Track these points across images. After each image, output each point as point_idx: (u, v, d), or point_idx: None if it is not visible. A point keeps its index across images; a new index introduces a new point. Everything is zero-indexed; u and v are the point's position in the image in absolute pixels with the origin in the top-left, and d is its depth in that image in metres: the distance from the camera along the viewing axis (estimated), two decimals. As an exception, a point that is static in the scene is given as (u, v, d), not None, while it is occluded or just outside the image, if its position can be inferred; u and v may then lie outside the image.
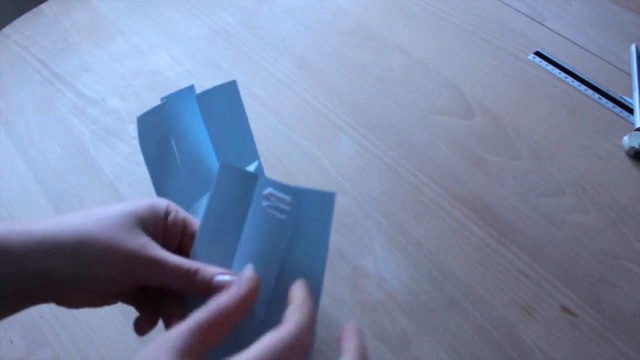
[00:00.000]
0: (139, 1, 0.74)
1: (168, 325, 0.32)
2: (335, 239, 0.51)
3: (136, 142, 0.59)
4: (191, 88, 0.41)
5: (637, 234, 0.50)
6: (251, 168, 0.39)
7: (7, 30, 0.72)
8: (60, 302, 0.32)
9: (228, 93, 0.40)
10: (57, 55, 0.68)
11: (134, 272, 0.30)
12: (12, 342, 0.46)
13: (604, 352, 0.43)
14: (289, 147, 0.58)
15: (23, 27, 0.72)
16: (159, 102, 0.65)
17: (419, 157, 0.56)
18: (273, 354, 0.25)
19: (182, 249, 0.34)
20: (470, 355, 0.44)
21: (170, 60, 0.67)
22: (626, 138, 0.56)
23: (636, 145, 0.54)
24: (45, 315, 0.48)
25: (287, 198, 0.32)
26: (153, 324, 0.34)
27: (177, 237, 0.34)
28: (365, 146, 0.57)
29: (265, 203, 0.33)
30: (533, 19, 0.68)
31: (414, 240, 0.50)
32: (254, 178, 0.33)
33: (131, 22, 0.72)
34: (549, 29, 0.67)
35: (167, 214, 0.33)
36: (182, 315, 0.31)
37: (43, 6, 0.75)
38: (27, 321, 0.47)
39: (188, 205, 0.39)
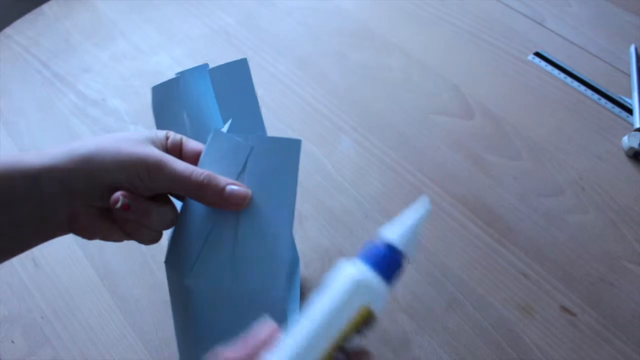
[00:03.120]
0: (140, 1, 0.75)
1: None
2: (335, 239, 0.51)
3: (137, 142, 0.59)
4: (204, 66, 0.42)
5: (637, 234, 0.50)
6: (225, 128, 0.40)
7: (8, 30, 0.72)
8: (75, 227, 0.32)
9: (239, 70, 0.41)
10: (58, 55, 0.69)
11: (145, 173, 0.32)
12: (13, 342, 0.46)
13: (603, 351, 0.43)
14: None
15: (24, 27, 0.73)
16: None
17: (419, 157, 0.56)
18: None
19: None
20: (470, 354, 0.44)
21: (170, 61, 0.67)
22: (625, 138, 0.56)
23: (635, 145, 0.54)
24: (46, 315, 0.48)
25: (281, 149, 0.35)
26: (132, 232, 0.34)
27: (177, 156, 0.35)
28: (365, 146, 0.57)
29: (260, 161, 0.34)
30: (533, 20, 0.68)
31: (413, 240, 0.50)
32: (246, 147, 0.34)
33: (132, 22, 0.72)
34: (549, 29, 0.67)
35: (167, 137, 0.35)
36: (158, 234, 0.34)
37: (44, 7, 0.75)
38: (28, 321, 0.48)
39: None
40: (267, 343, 0.24)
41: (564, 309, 0.46)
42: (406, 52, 0.66)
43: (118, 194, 0.31)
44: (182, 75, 0.41)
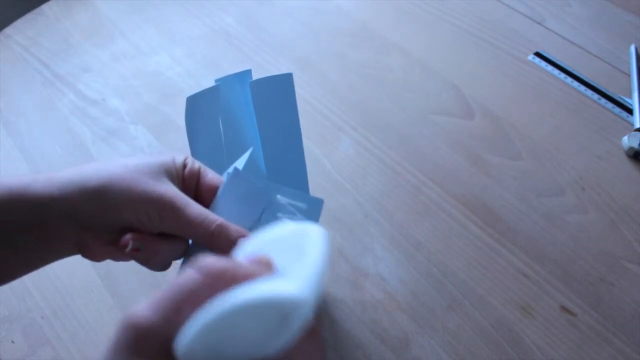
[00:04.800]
0: (140, 1, 0.75)
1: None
2: (335, 239, 0.51)
3: (136, 143, 0.59)
4: (247, 72, 0.41)
5: (637, 234, 0.50)
6: (243, 159, 0.38)
7: (8, 30, 0.72)
8: (84, 251, 0.32)
9: (282, 85, 0.39)
10: (58, 55, 0.69)
11: (156, 215, 0.30)
12: (13, 342, 0.46)
13: (603, 351, 0.43)
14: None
15: (24, 27, 0.73)
16: (159, 103, 0.65)
17: (419, 157, 0.56)
18: None
19: (197, 200, 0.34)
20: (470, 354, 0.44)
21: (170, 61, 0.67)
22: (625, 138, 0.56)
23: (635, 145, 0.54)
24: (46, 315, 0.48)
25: (303, 206, 0.33)
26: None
27: (193, 187, 0.34)
28: (365, 146, 0.57)
29: (279, 214, 0.33)
30: (533, 20, 0.68)
31: (414, 240, 0.50)
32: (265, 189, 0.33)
33: (132, 22, 0.72)
34: (549, 29, 0.67)
35: (185, 165, 0.34)
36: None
37: (44, 6, 0.75)
38: (28, 321, 0.48)
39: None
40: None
41: (564, 309, 0.46)
42: (406, 52, 0.66)
43: (127, 237, 0.30)
44: (222, 83, 0.40)
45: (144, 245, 0.31)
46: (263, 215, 0.33)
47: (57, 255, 0.31)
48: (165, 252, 0.33)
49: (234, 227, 0.32)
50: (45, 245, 0.30)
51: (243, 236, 0.31)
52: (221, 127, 0.39)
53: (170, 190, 0.31)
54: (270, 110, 0.39)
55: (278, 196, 0.33)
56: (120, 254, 0.33)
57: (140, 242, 0.31)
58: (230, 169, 0.36)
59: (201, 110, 0.40)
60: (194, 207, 0.31)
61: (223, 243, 0.31)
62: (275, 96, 0.39)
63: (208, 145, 0.40)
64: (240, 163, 0.37)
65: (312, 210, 0.33)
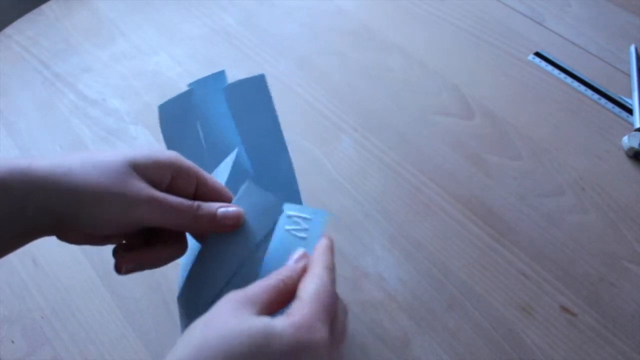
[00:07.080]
0: (140, 2, 0.75)
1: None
2: (336, 239, 0.51)
3: (136, 143, 0.59)
4: (221, 73, 0.41)
5: (637, 234, 0.50)
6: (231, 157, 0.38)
7: (8, 30, 0.72)
8: (61, 237, 0.32)
9: (256, 86, 0.40)
10: (58, 55, 0.69)
11: (133, 213, 0.31)
12: (13, 342, 0.46)
13: (603, 351, 0.43)
14: (289, 147, 0.58)
15: (24, 27, 0.73)
16: (159, 102, 0.65)
17: (419, 157, 0.56)
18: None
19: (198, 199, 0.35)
20: (470, 354, 0.44)
21: (170, 61, 0.67)
22: (625, 138, 0.56)
23: (635, 145, 0.54)
24: (45, 315, 0.48)
25: (309, 217, 0.33)
26: (134, 264, 0.34)
27: (192, 185, 0.34)
28: (365, 146, 0.57)
29: (287, 226, 0.33)
30: (533, 20, 0.68)
31: (414, 240, 0.50)
32: (278, 204, 0.34)
33: (132, 22, 0.72)
34: (549, 29, 0.67)
35: (176, 173, 0.33)
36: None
37: (44, 7, 0.75)
38: (28, 321, 0.48)
39: None
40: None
41: (564, 309, 0.46)
42: (406, 52, 0.66)
43: (120, 264, 0.32)
44: (195, 86, 0.40)
45: (138, 263, 0.33)
46: (275, 227, 0.33)
47: (34, 238, 0.32)
48: (162, 259, 0.34)
49: (212, 203, 0.33)
50: (24, 233, 0.31)
51: (222, 207, 0.33)
52: (200, 131, 0.39)
53: (143, 189, 0.31)
54: (247, 112, 0.39)
55: (285, 208, 0.34)
56: (100, 242, 0.34)
57: (134, 263, 0.32)
58: (224, 171, 0.36)
59: (177, 116, 0.39)
60: (171, 196, 0.32)
61: (206, 217, 0.32)
62: (251, 98, 0.40)
63: (188, 151, 0.40)
64: (228, 163, 0.37)
65: (317, 222, 0.33)
